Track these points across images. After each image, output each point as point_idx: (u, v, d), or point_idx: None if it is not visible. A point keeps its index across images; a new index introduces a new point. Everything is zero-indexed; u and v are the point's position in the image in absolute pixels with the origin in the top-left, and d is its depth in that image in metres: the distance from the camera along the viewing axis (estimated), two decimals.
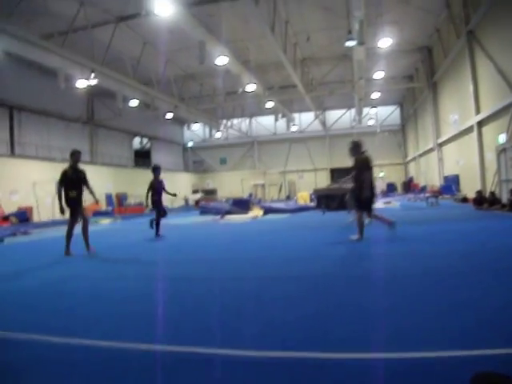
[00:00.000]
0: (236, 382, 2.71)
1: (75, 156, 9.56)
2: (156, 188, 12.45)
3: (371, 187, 9.35)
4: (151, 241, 11.75)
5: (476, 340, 3.10)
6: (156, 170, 12.67)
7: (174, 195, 13.30)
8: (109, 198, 34.05)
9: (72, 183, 9.29)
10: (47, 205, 25.91)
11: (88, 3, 21.16)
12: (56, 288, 5.93)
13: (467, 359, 2.75)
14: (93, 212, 29.36)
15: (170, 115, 35.89)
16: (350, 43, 21.32)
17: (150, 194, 12.35)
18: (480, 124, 21.57)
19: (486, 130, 21.01)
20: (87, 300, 5.10)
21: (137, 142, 45.92)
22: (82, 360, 3.17)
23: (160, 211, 12.66)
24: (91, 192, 9.60)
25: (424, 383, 2.55)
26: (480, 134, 21.68)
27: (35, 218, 25.88)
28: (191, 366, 2.97)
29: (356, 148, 9.78)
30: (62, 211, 9.07)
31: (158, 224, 12.61)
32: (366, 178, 9.27)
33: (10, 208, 24.25)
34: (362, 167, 9.40)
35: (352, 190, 10.08)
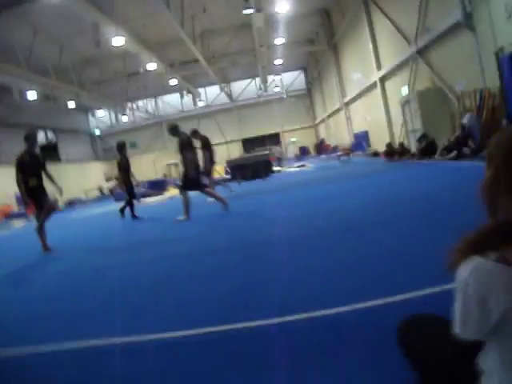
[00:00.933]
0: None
1: (31, 139, 8.56)
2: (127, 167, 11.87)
3: (196, 166, 9.84)
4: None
5: (399, 286, 3.15)
6: (124, 147, 12.06)
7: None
8: (19, 198, 32.40)
9: (31, 170, 8.33)
10: None
11: None
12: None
13: (391, 305, 2.82)
14: (4, 215, 27.94)
15: (72, 104, 34.42)
16: (248, 11, 21.15)
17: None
18: (382, 79, 22.22)
19: (389, 84, 21.69)
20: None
21: (42, 137, 43.87)
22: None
23: (131, 192, 12.22)
24: (51, 180, 8.72)
25: (351, 335, 2.57)
26: (384, 89, 22.35)
27: None
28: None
29: (173, 130, 10.14)
30: (27, 203, 8.38)
31: (132, 205, 12.14)
32: (189, 157, 9.66)
33: None
34: (184, 148, 9.72)
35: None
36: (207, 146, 13.23)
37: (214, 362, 2.56)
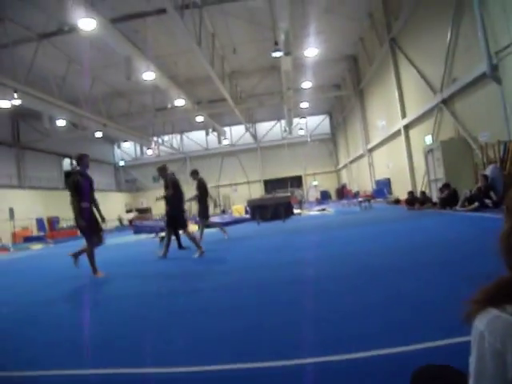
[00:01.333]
0: None
1: (84, 159, 8.28)
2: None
3: (178, 205, 10.37)
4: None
5: (414, 334, 3.06)
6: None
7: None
8: (40, 222, 32.83)
9: (84, 192, 8.06)
10: None
11: (7, 19, 20.28)
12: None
13: (407, 355, 2.71)
14: (24, 237, 28.28)
15: (99, 134, 35.08)
16: (277, 54, 21.50)
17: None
18: (407, 127, 22.28)
19: (413, 132, 21.71)
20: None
21: (67, 163, 44.59)
22: None
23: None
24: (97, 206, 8.32)
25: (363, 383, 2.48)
26: (407, 137, 22.38)
27: None
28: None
29: (161, 170, 10.75)
30: (81, 225, 8.01)
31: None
32: (172, 196, 10.25)
33: None
34: (169, 187, 10.32)
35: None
36: (201, 187, 13.41)
37: None
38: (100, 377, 2.99)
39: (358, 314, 3.77)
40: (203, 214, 13.27)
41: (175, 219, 10.33)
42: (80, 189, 7.99)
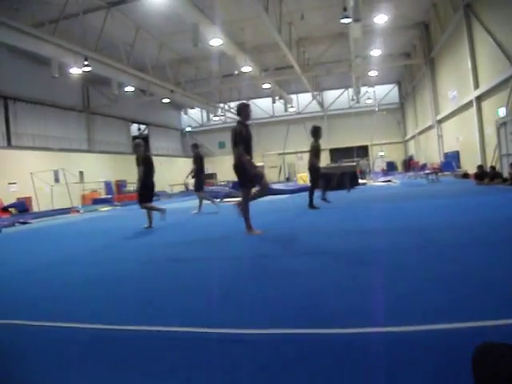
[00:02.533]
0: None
1: (245, 109, 8.17)
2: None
3: (145, 182, 10.66)
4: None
5: (480, 311, 3.00)
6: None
7: None
8: (108, 185, 33.98)
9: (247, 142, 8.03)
10: (46, 194, 25.83)
11: None
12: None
13: (470, 331, 2.66)
14: (92, 200, 29.37)
15: (166, 100, 35.65)
16: (346, 20, 20.99)
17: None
18: (479, 99, 21.37)
19: (486, 104, 20.82)
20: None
21: (134, 129, 45.71)
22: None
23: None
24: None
25: (425, 357, 2.44)
26: (479, 109, 21.49)
27: (34, 208, 25.80)
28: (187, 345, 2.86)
29: (135, 147, 11.45)
30: (257, 174, 8.09)
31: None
32: (140, 172, 10.61)
33: (8, 199, 24.20)
34: (139, 163, 10.68)
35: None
36: (197, 160, 14.05)
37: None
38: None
39: (422, 289, 3.72)
40: (198, 186, 14.15)
41: (140, 194, 10.80)
42: (242, 139, 7.90)
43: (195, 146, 14.35)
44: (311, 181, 12.80)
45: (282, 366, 2.49)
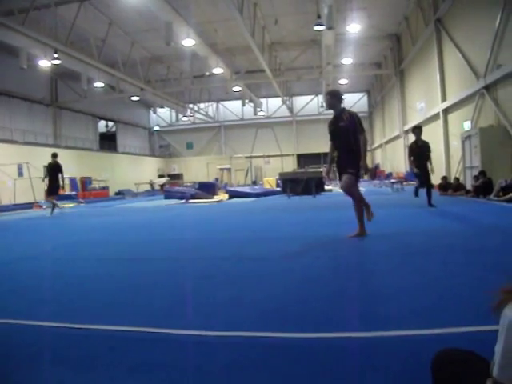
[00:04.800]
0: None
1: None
2: None
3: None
4: None
5: (440, 319, 3.04)
6: None
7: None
8: (73, 181, 33.39)
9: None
10: (8, 189, 25.22)
11: None
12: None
13: (430, 338, 2.69)
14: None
15: (135, 98, 35.34)
16: (319, 27, 21.20)
17: None
18: (446, 111, 21.81)
19: (452, 117, 21.25)
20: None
21: (102, 125, 45.12)
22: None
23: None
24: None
25: (384, 362, 2.46)
26: (446, 122, 21.93)
27: None
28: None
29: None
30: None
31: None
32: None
33: None
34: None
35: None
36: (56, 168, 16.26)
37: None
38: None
39: (383, 296, 3.76)
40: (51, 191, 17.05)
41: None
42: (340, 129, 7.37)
43: (54, 156, 16.10)
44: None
45: (243, 368, 2.47)
